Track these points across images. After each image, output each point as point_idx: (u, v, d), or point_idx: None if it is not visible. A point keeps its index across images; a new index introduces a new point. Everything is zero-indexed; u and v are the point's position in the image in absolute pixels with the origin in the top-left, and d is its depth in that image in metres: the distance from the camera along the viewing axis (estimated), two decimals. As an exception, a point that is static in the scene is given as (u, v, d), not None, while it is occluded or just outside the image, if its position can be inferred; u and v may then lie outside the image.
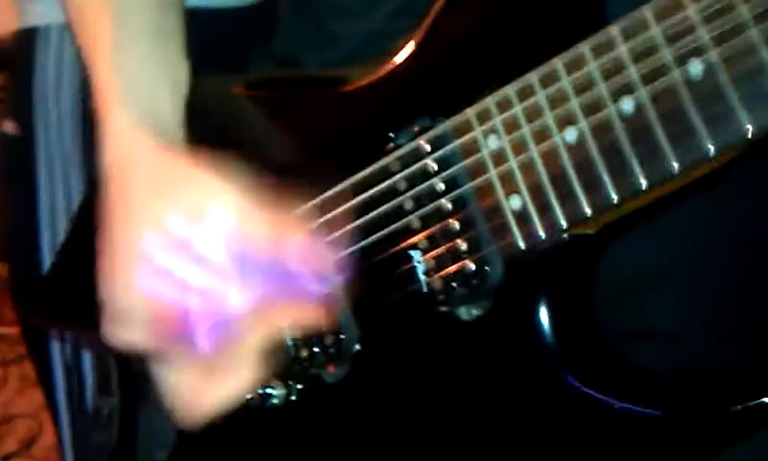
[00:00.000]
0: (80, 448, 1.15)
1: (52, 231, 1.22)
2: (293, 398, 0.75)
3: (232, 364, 0.65)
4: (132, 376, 0.94)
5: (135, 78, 0.76)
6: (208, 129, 0.78)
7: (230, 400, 0.66)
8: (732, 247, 0.69)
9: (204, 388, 0.66)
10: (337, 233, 0.70)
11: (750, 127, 0.53)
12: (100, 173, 0.73)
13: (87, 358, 1.08)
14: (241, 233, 0.62)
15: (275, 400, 0.75)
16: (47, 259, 1.22)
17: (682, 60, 0.55)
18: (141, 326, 0.64)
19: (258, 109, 0.80)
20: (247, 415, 0.77)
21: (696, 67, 0.54)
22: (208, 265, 0.61)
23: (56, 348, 1.24)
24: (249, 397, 0.74)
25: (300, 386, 0.75)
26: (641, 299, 0.70)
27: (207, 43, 0.86)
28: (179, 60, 0.79)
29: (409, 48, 0.69)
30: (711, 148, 0.54)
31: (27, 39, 1.22)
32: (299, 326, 0.67)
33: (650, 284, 0.69)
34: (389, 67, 0.70)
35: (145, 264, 0.62)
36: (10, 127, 1.27)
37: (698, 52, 0.54)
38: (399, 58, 0.69)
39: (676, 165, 0.56)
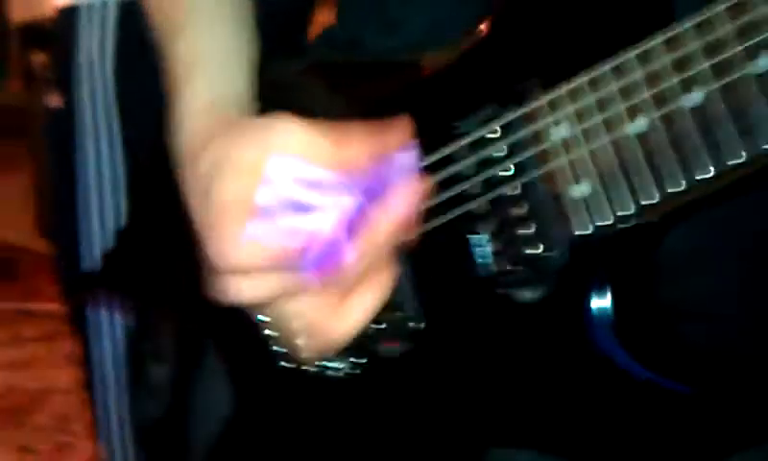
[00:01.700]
0: (130, 418, 1.18)
1: (100, 209, 1.25)
2: (352, 372, 0.78)
3: (359, 284, 0.65)
4: (187, 345, 0.97)
5: (206, 63, 0.78)
6: (275, 111, 0.80)
7: (359, 325, 0.66)
8: None
9: (334, 315, 0.65)
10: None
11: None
12: (173, 152, 0.75)
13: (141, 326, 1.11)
14: (338, 155, 0.63)
15: (336, 374, 0.78)
16: (96, 238, 1.26)
17: (752, 55, 0.57)
18: (257, 274, 0.64)
19: (325, 93, 0.82)
20: (306, 388, 0.80)
21: (765, 61, 0.56)
22: (306, 201, 0.62)
23: (97, 325, 1.27)
24: (310, 369, 0.77)
25: (359, 361, 0.77)
26: (690, 279, 0.72)
27: (267, 22, 0.88)
28: (250, 43, 0.81)
29: (477, 36, 0.71)
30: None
31: (69, 17, 1.25)
32: (397, 231, 0.65)
33: (699, 265, 0.71)
34: (457, 55, 0.72)
35: (254, 216, 0.62)
36: (55, 101, 1.31)
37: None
38: (467, 45, 0.71)
39: (744, 155, 0.58)
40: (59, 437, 2.20)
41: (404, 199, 0.64)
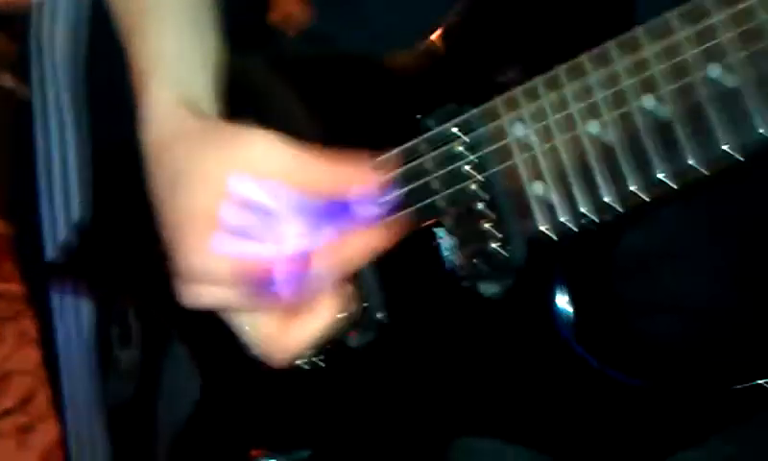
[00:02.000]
0: (97, 400, 1.18)
1: (49, 193, 1.24)
2: (317, 361, 0.80)
3: (311, 305, 0.67)
4: (155, 329, 0.98)
5: (172, 56, 0.78)
6: (242, 105, 0.80)
7: (313, 339, 0.69)
8: (750, 223, 0.73)
9: (285, 332, 0.68)
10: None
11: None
12: (140, 149, 0.75)
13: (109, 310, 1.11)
14: (300, 176, 0.65)
15: (302, 363, 0.80)
16: (47, 220, 1.25)
17: (705, 60, 0.59)
18: (220, 284, 0.66)
19: (292, 87, 0.82)
20: (273, 375, 0.81)
21: (716, 70, 0.59)
22: (277, 215, 0.64)
23: (57, 305, 1.26)
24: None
25: (324, 349, 0.79)
26: (657, 272, 0.74)
27: (233, 17, 0.88)
28: (213, 38, 0.82)
29: (439, 34, 0.72)
30: (727, 147, 0.59)
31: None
32: (367, 255, 0.68)
33: (666, 259, 0.74)
34: (419, 52, 0.74)
35: (217, 228, 0.65)
36: (8, 80, 1.29)
37: (719, 55, 0.58)
38: (430, 43, 0.73)
39: (692, 161, 0.60)
40: (21, 419, 2.18)
41: (371, 234, 0.67)
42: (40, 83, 1.23)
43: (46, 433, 2.10)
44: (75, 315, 1.25)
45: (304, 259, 0.64)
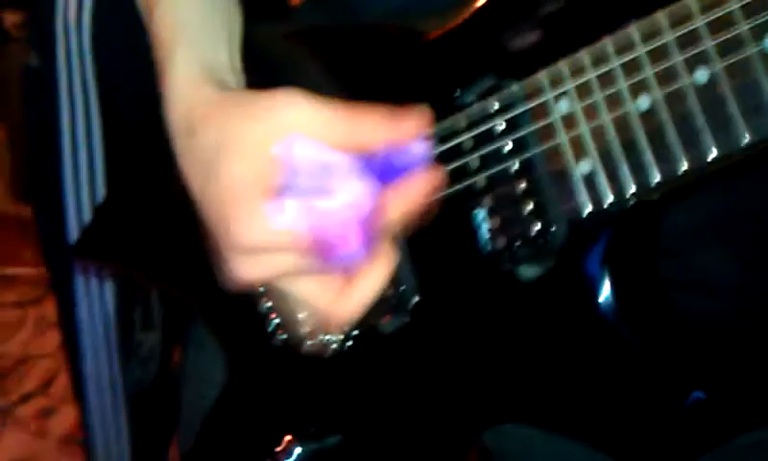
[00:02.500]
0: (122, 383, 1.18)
1: (74, 173, 1.23)
2: (348, 345, 0.78)
3: (358, 271, 0.65)
4: (177, 312, 0.97)
5: (195, 28, 0.76)
6: (266, 78, 0.78)
7: (363, 306, 0.66)
8: None
9: (343, 295, 0.65)
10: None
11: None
12: (163, 127, 0.74)
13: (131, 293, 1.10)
14: (342, 132, 0.62)
15: (332, 347, 0.78)
16: (70, 200, 1.24)
17: (759, 35, 0.56)
18: (281, 253, 0.64)
19: (317, 60, 0.80)
20: (300, 359, 0.80)
21: (773, 41, 0.56)
22: (336, 171, 0.62)
23: (81, 289, 1.26)
24: (307, 343, 0.77)
25: (355, 333, 0.77)
26: (695, 253, 0.72)
27: None
28: (234, 8, 0.79)
29: (477, 4, 0.70)
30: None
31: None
32: (409, 214, 0.65)
33: (703, 239, 0.72)
34: (456, 21, 0.71)
35: (268, 197, 0.62)
36: (34, 60, 1.28)
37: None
38: (467, 12, 0.70)
39: (747, 137, 0.58)
40: (42, 402, 2.19)
41: (415, 189, 0.63)
42: (67, 61, 1.21)
43: (67, 417, 2.10)
44: (99, 297, 1.24)
45: (372, 214, 0.62)
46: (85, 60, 1.21)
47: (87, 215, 1.18)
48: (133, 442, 1.16)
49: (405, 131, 0.63)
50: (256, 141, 0.63)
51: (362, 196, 0.61)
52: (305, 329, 0.69)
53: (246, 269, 0.65)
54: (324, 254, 0.62)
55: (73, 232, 1.22)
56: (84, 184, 1.23)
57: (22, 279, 2.43)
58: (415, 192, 0.63)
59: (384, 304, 0.75)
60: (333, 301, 0.65)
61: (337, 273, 0.64)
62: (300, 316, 0.68)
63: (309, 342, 0.77)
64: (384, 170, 0.63)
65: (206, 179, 0.66)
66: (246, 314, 0.83)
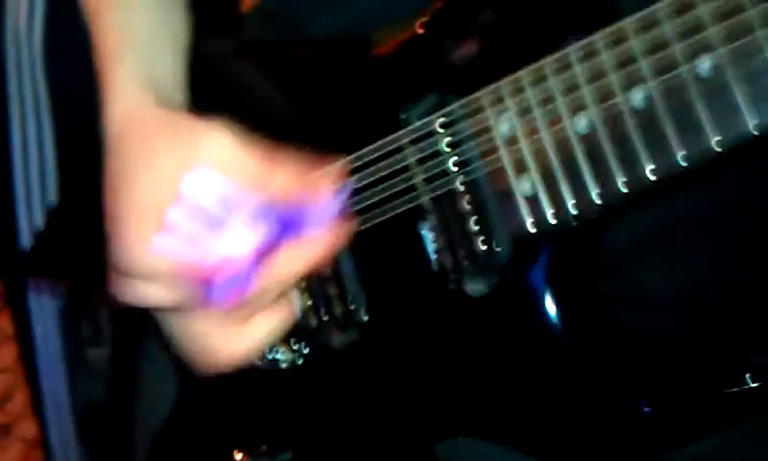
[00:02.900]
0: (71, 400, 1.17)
1: (25, 184, 1.22)
2: (299, 362, 0.78)
3: (252, 314, 0.66)
4: (127, 328, 0.96)
5: (138, 41, 0.76)
6: (210, 93, 0.78)
7: (252, 351, 0.68)
8: (721, 219, 0.72)
9: (225, 338, 0.67)
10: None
11: (754, 124, 0.56)
12: (102, 135, 0.73)
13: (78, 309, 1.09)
14: (251, 179, 0.63)
15: (281, 364, 0.78)
16: (22, 212, 1.22)
17: (692, 57, 0.57)
18: (159, 284, 0.65)
19: (263, 76, 0.80)
20: (255, 375, 0.79)
21: (705, 64, 0.57)
22: (222, 220, 0.62)
23: (35, 302, 1.24)
24: (256, 360, 0.77)
25: (306, 351, 0.77)
26: (633, 268, 0.73)
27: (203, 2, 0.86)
28: (181, 20, 0.79)
29: (420, 23, 0.70)
30: (716, 143, 0.57)
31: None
32: (307, 270, 0.67)
33: (642, 254, 0.73)
34: (401, 39, 0.71)
35: (160, 227, 0.63)
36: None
37: (708, 49, 0.57)
38: (412, 30, 0.70)
39: (683, 160, 0.59)
40: (0, 418, 2.16)
41: (319, 245, 0.65)
42: (17, 70, 1.20)
43: (25, 433, 2.07)
44: (54, 312, 1.22)
45: (248, 272, 0.62)
46: (36, 69, 1.20)
47: (39, 221, 1.17)
48: (89, 458, 1.15)
49: (317, 192, 0.64)
50: (165, 171, 0.64)
51: (262, 240, 0.62)
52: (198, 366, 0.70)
53: (128, 291, 0.66)
54: (216, 293, 0.63)
55: (26, 245, 1.20)
56: (35, 196, 1.22)
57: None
58: (316, 248, 0.65)
59: (333, 322, 0.75)
60: (222, 340, 0.67)
61: (229, 314, 0.65)
62: (192, 354, 0.69)
63: (258, 360, 0.77)
64: (292, 221, 0.63)
65: (113, 194, 0.67)
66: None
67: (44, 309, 1.23)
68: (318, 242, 0.65)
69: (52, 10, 1.16)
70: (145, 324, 0.91)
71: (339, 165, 0.67)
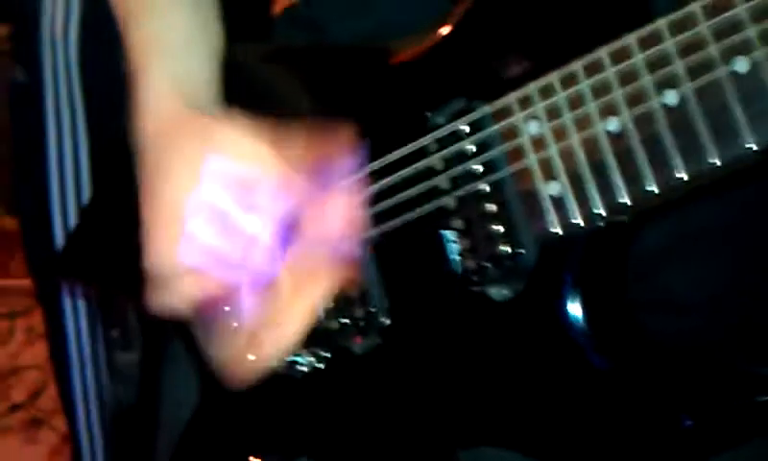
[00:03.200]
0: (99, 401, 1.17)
1: (61, 186, 1.23)
2: (320, 366, 0.77)
3: (276, 325, 0.66)
4: (155, 332, 0.96)
5: (172, 47, 0.76)
6: (242, 98, 0.78)
7: (274, 359, 0.67)
8: (749, 223, 0.70)
9: (248, 348, 0.67)
10: (370, 210, 0.71)
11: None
12: (134, 138, 0.74)
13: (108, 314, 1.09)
14: (278, 192, 0.63)
15: (302, 368, 0.77)
16: (57, 213, 1.23)
17: (728, 57, 0.55)
18: (185, 293, 0.65)
19: (288, 78, 0.80)
20: (273, 380, 0.79)
21: (742, 64, 0.55)
22: (247, 233, 0.62)
23: (68, 301, 1.25)
24: (276, 364, 0.76)
25: (327, 355, 0.76)
26: (661, 273, 0.71)
27: (234, 8, 0.86)
28: (215, 27, 0.79)
29: (447, 27, 0.69)
30: (752, 145, 0.55)
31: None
32: (332, 287, 0.67)
33: (669, 259, 0.71)
34: (426, 45, 0.71)
35: (188, 238, 0.63)
36: (19, 73, 1.28)
37: (745, 49, 0.55)
38: (437, 36, 0.70)
39: (717, 160, 0.57)
40: (30, 413, 2.19)
41: (340, 208, 0.64)
42: (53, 75, 1.21)
43: (55, 428, 2.10)
44: (85, 312, 1.23)
45: (284, 240, 0.62)
46: (72, 74, 1.21)
47: (73, 221, 1.18)
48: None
49: (331, 147, 0.63)
50: (194, 173, 0.64)
51: (284, 216, 0.61)
52: (243, 366, 0.70)
53: (156, 299, 0.66)
54: (249, 275, 0.62)
55: (60, 239, 1.22)
56: (70, 198, 1.23)
57: (11, 291, 2.44)
58: (339, 211, 0.64)
59: (354, 326, 0.74)
60: (266, 328, 0.66)
61: (266, 299, 0.65)
62: (239, 353, 0.69)
63: (278, 364, 0.76)
64: (312, 191, 0.62)
65: (148, 195, 0.67)
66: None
67: (76, 309, 1.24)
68: (337, 208, 0.64)
69: (87, 15, 1.17)
70: (173, 329, 0.92)
71: (347, 132, 0.66)
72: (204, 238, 0.63)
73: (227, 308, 0.65)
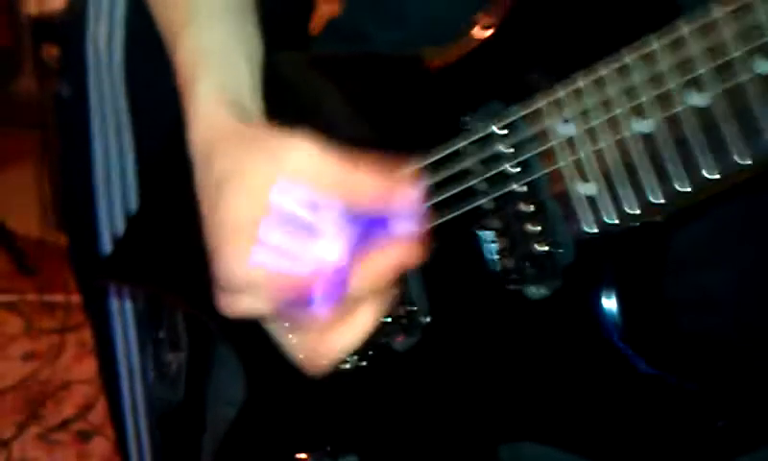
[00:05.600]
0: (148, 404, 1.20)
1: (107, 196, 1.26)
2: (363, 363, 0.79)
3: (350, 314, 0.67)
4: (201, 333, 0.99)
5: (217, 59, 0.79)
6: (284, 105, 0.80)
7: (350, 349, 0.69)
8: None
9: (323, 342, 0.68)
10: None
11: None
12: (187, 150, 0.76)
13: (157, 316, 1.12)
14: (341, 187, 0.65)
15: (345, 365, 0.79)
16: (104, 225, 1.27)
17: (754, 57, 0.57)
18: (258, 296, 0.67)
19: (332, 88, 0.83)
20: (318, 380, 0.81)
21: (765, 66, 0.57)
22: (316, 232, 0.64)
23: (116, 313, 1.28)
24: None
25: (370, 353, 0.79)
26: (701, 273, 0.73)
27: (272, 15, 0.88)
28: (255, 36, 0.82)
29: (483, 33, 0.72)
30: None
31: (78, 7, 1.26)
32: (400, 269, 0.68)
33: (709, 259, 0.72)
34: (462, 51, 0.73)
35: (255, 241, 0.65)
36: (65, 89, 1.31)
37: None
38: (473, 42, 0.72)
39: (747, 160, 0.58)
40: (81, 427, 2.23)
41: (404, 244, 0.66)
42: (98, 89, 1.25)
43: (106, 441, 2.13)
44: (133, 317, 1.26)
45: (342, 277, 0.64)
46: (116, 87, 1.25)
47: (120, 234, 1.21)
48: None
49: (400, 191, 0.65)
50: (259, 182, 0.66)
51: (351, 242, 0.64)
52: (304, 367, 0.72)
53: (227, 303, 0.68)
54: (292, 307, 0.65)
55: (107, 250, 1.25)
56: (117, 211, 1.26)
57: (62, 306, 2.49)
58: (403, 247, 0.66)
59: (396, 324, 0.77)
60: (312, 346, 0.69)
61: (315, 323, 0.67)
62: (297, 355, 0.72)
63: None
64: (376, 222, 0.65)
65: (211, 207, 0.69)
66: (262, 333, 0.84)
67: (125, 320, 1.27)
68: (405, 240, 0.66)
69: (131, 26, 1.21)
70: (216, 326, 0.94)
71: (415, 166, 0.69)
72: (273, 244, 0.65)
73: (301, 309, 0.66)
